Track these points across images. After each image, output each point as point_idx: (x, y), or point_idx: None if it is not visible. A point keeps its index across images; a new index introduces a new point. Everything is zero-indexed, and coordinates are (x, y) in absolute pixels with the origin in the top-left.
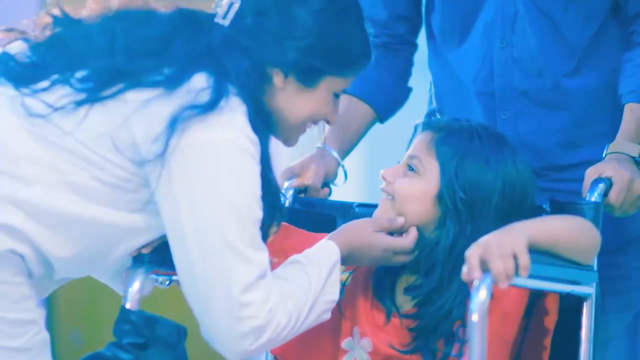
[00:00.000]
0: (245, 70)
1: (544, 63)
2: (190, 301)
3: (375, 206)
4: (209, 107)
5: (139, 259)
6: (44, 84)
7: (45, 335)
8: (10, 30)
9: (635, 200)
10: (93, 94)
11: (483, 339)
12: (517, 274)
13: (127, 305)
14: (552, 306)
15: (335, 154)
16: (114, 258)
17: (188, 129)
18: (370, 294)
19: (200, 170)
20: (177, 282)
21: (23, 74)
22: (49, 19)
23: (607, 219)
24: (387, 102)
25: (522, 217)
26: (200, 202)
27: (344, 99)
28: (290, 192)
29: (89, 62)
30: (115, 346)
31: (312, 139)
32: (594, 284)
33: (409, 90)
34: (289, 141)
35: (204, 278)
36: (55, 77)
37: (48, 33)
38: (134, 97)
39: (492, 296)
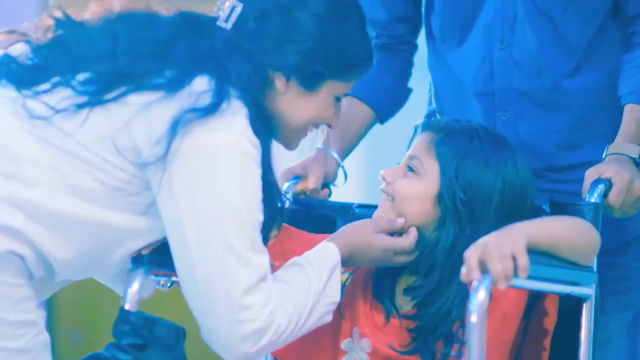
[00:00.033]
0: (246, 74)
1: (543, 64)
2: (190, 303)
3: (375, 207)
4: (211, 110)
5: (138, 260)
6: (46, 86)
7: (45, 336)
8: (12, 32)
9: (635, 201)
10: (95, 97)
11: (482, 340)
12: (516, 275)
13: (126, 306)
14: (551, 307)
15: (335, 155)
16: (114, 260)
17: (189, 132)
18: (370, 294)
19: (202, 173)
20: (178, 283)
21: (25, 76)
22: (51, 22)
23: (607, 220)
24: (387, 102)
25: (521, 218)
26: (201, 205)
27: (344, 100)
28: (290, 192)
29: (91, 64)
30: (114, 347)
31: (312, 139)
32: (594, 285)
33: (409, 91)
34: (290, 145)
35: (205, 280)
36: (57, 79)
37: (50, 35)
38: (135, 99)
39: (491, 297)
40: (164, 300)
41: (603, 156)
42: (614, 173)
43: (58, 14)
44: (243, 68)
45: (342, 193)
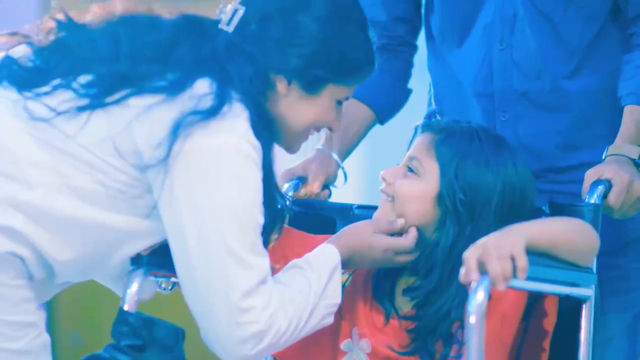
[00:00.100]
0: (248, 76)
1: (543, 65)
2: (191, 305)
3: (374, 208)
4: (212, 112)
5: (137, 261)
6: (47, 88)
7: (45, 337)
8: (14, 34)
9: (635, 202)
10: (96, 100)
11: (480, 341)
12: (515, 275)
13: (125, 307)
14: (551, 308)
15: (335, 156)
16: (115, 262)
17: (191, 135)
18: (370, 295)
19: (203, 175)
20: (179, 284)
21: (26, 78)
22: (53, 24)
23: (606, 221)
24: (387, 103)
25: (521, 218)
26: (202, 208)
27: None
28: (290, 193)
29: (93, 67)
30: (113, 348)
31: (312, 140)
32: (593, 286)
33: (409, 91)
34: (291, 148)
35: (205, 283)
36: (58, 81)
37: (52, 37)
38: (137, 102)
39: (491, 298)
40: (163, 301)
41: (603, 157)
42: (613, 174)
43: (60, 16)
44: (245, 71)
45: (342, 194)
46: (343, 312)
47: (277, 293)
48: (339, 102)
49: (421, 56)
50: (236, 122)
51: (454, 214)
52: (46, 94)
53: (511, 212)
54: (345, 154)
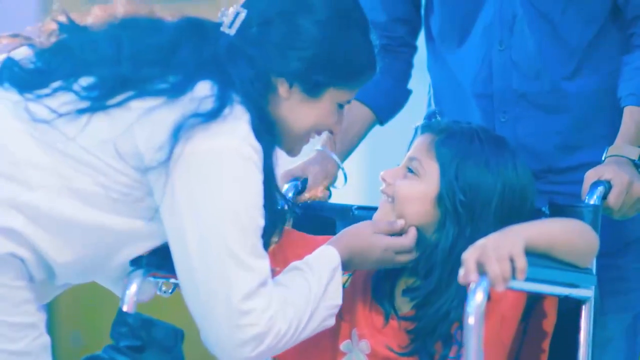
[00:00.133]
0: (249, 79)
1: (542, 66)
2: (191, 307)
3: (374, 209)
4: (213, 115)
5: (136, 262)
6: (48, 89)
7: (45, 339)
8: (15, 35)
9: (635, 203)
10: (97, 103)
11: (479, 342)
12: (514, 277)
13: (124, 308)
14: (550, 309)
15: (335, 157)
16: (115, 264)
17: (192, 138)
18: (369, 296)
19: (204, 178)
20: (179, 286)
21: (27, 80)
22: (54, 26)
23: (606, 222)
24: (386, 104)
25: (521, 219)
26: (203, 210)
27: None
28: (290, 194)
29: (95, 69)
30: (112, 349)
31: (312, 141)
32: (593, 287)
33: (409, 92)
34: (292, 151)
35: (205, 285)
36: (59, 83)
37: (53, 39)
38: (138, 104)
39: (490, 299)
40: (162, 302)
41: (603, 158)
42: (613, 175)
43: (62, 18)
44: (246, 73)
45: (342, 195)
46: (343, 313)
47: (278, 295)
48: (341, 106)
49: (421, 57)
50: (237, 124)
51: (453, 214)
52: (47, 95)
53: (511, 213)
54: (345, 154)
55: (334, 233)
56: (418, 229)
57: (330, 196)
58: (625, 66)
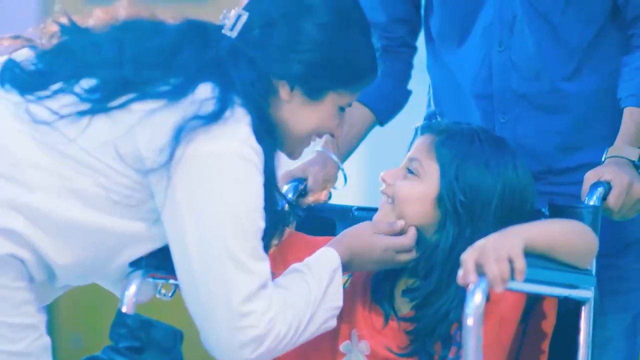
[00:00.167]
0: (251, 82)
1: (542, 66)
2: (191, 309)
3: (374, 210)
4: (214, 117)
5: (136, 263)
6: (49, 91)
7: (46, 340)
8: (17, 37)
9: (635, 204)
10: (98, 105)
11: (478, 343)
12: (512, 277)
13: (124, 309)
14: (550, 310)
15: (335, 158)
16: (116, 266)
17: (193, 140)
18: (369, 297)
19: (204, 180)
20: (178, 287)
21: (28, 81)
22: (56, 27)
23: (606, 223)
24: (386, 105)
25: (521, 220)
26: (203, 212)
27: None
28: (290, 195)
29: (96, 71)
30: (111, 350)
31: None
32: (592, 288)
33: (409, 93)
34: (293, 154)
35: (206, 287)
36: (60, 85)
37: (55, 41)
38: (139, 107)
39: (489, 300)
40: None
41: (602, 159)
42: (613, 176)
43: (63, 20)
44: (247, 76)
45: (342, 196)
46: (342, 314)
47: (278, 297)
48: (342, 109)
49: (421, 57)
50: (238, 127)
51: (454, 215)
52: (48, 97)
53: (511, 214)
54: (344, 155)
55: (333, 234)
56: (418, 230)
57: (330, 197)
58: (625, 67)
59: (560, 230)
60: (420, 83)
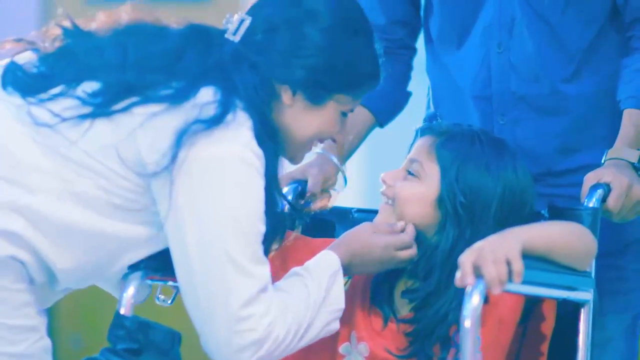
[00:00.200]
0: (253, 86)
1: (541, 68)
2: (190, 312)
3: (374, 211)
4: (216, 121)
5: (134, 265)
6: (51, 94)
7: (46, 342)
8: (19, 40)
9: (634, 206)
10: (100, 109)
11: (475, 345)
12: (510, 279)
13: (122, 311)
14: (549, 312)
15: (335, 160)
16: (116, 269)
17: (195, 144)
18: (368, 299)
19: (206, 183)
20: (177, 288)
21: (30, 84)
22: (58, 31)
23: (606, 223)
24: (386, 107)
25: (520, 222)
26: (204, 215)
27: None
28: (290, 196)
29: (99, 75)
30: (109, 352)
31: None
32: (591, 290)
33: (409, 94)
34: (294, 158)
35: (205, 291)
36: (62, 88)
37: (58, 44)
38: (141, 110)
39: (488, 302)
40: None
41: (602, 161)
42: (612, 178)
43: (66, 24)
44: (250, 80)
45: (341, 198)
46: (342, 316)
47: (277, 301)
48: (344, 114)
49: (421, 59)
50: (240, 131)
51: (454, 216)
52: (50, 100)
53: (511, 215)
54: (344, 157)
55: (333, 236)
56: (419, 231)
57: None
58: (624, 69)
59: (559, 232)
60: (420, 84)
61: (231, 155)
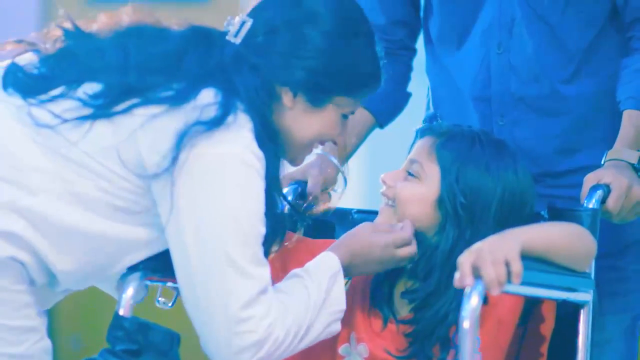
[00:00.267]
0: (254, 88)
1: (541, 69)
2: (190, 313)
3: (374, 212)
4: (216, 122)
5: (133, 265)
6: (51, 95)
7: (46, 343)
8: (20, 41)
9: (634, 207)
10: (101, 110)
11: (474, 346)
12: (509, 280)
13: (121, 312)
14: (548, 313)
15: (335, 161)
16: (116, 271)
17: (195, 145)
18: (368, 299)
19: (206, 185)
20: (179, 292)
21: (31, 85)
22: (59, 32)
23: (606, 224)
24: (386, 107)
25: (520, 223)
26: (204, 217)
27: None
28: (290, 197)
29: (100, 76)
30: (108, 353)
31: None
32: (591, 291)
33: (409, 95)
34: (295, 160)
35: (205, 292)
36: (63, 89)
37: (59, 45)
38: (141, 112)
39: (487, 303)
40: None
41: (602, 162)
42: (612, 179)
43: (67, 25)
44: (251, 82)
45: (341, 198)
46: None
47: (277, 303)
48: (345, 116)
49: (421, 59)
50: (240, 132)
51: (454, 217)
52: (50, 101)
53: (511, 216)
54: (344, 158)
55: (333, 237)
56: (419, 232)
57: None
58: (624, 69)
59: (559, 233)
60: (419, 85)
61: (232, 156)
